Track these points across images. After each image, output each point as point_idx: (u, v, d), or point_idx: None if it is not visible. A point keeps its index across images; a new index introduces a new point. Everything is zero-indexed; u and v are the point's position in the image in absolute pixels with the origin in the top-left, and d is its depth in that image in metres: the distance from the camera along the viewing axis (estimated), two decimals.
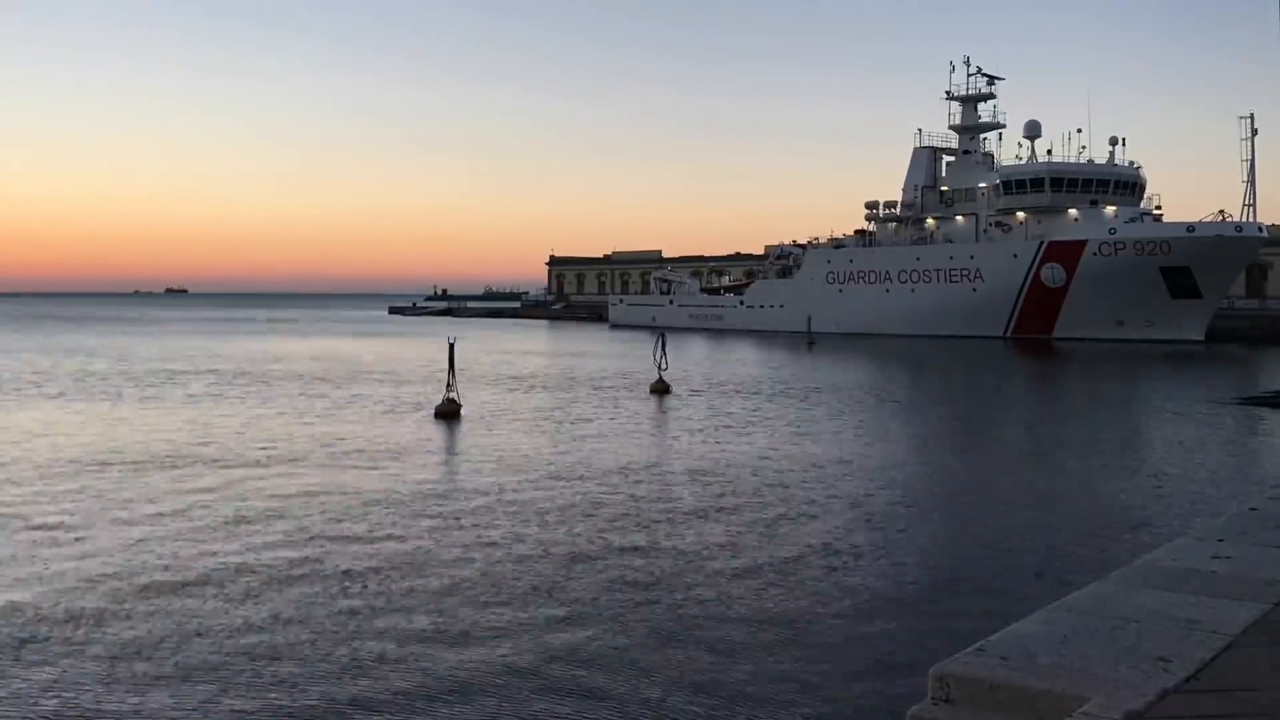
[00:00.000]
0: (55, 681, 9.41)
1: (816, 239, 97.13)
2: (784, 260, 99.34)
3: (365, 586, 12.49)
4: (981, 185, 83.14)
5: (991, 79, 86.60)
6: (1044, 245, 76.11)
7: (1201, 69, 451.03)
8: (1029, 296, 76.97)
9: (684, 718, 8.81)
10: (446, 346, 32.04)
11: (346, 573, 13.04)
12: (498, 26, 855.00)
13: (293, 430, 26.67)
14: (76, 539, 14.73)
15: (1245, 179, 73.35)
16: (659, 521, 16.12)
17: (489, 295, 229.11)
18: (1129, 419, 31.33)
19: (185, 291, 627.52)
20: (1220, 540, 7.23)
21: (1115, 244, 72.93)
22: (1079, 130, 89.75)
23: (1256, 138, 72.51)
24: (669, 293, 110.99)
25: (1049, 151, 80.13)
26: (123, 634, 10.67)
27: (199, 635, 10.67)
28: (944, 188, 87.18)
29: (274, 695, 9.16)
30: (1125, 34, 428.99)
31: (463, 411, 29.89)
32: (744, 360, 56.45)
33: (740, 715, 8.85)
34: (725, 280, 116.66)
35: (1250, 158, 73.07)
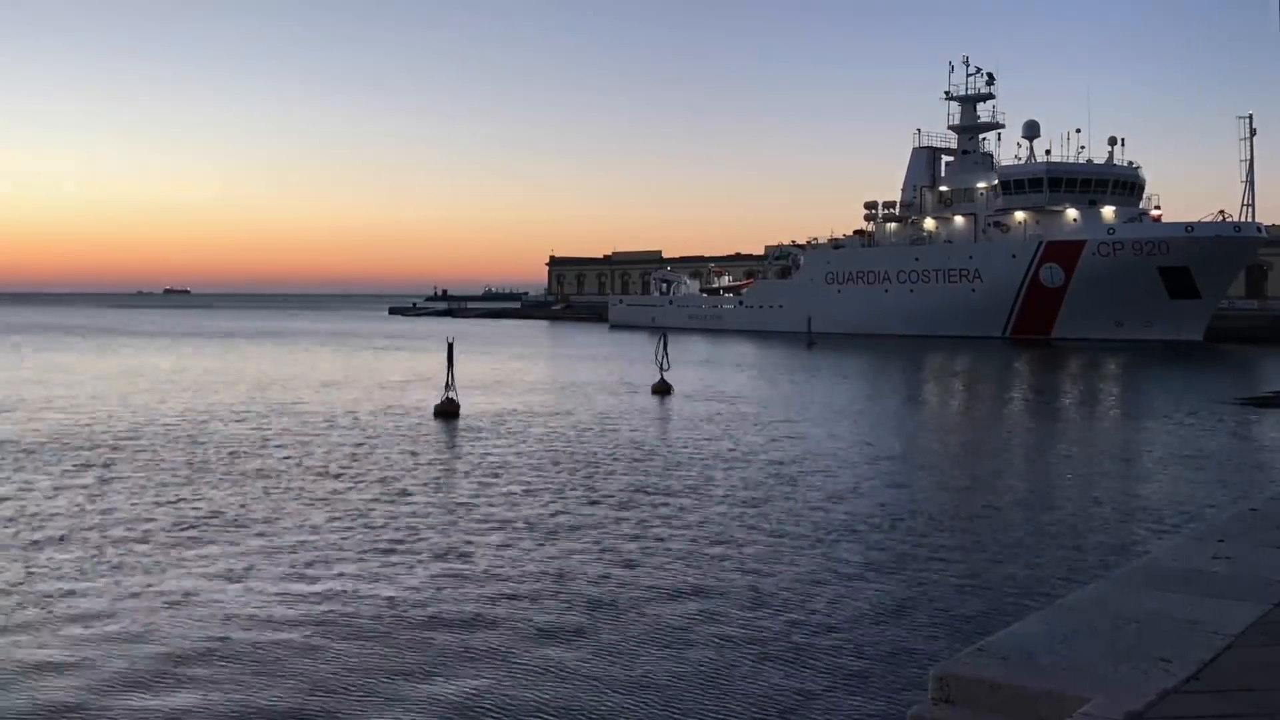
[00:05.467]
0: None
1: (816, 239, 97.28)
2: (783, 261, 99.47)
3: None
4: (980, 185, 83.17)
5: (991, 77, 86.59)
6: (1043, 245, 76.18)
7: (1201, 69, 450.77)
8: (1028, 297, 77.04)
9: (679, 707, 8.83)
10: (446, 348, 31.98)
11: None
12: (497, 27, 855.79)
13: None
14: None
15: (1244, 179, 73.35)
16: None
17: (489, 296, 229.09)
18: (1128, 419, 31.31)
19: (187, 292, 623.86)
20: (1220, 540, 7.23)
21: (1114, 244, 73.00)
22: (1078, 130, 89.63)
23: (1256, 138, 72.53)
24: (669, 293, 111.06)
25: (1048, 151, 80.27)
26: None
27: None
28: (943, 188, 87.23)
29: None
30: (1124, 34, 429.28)
31: (461, 411, 29.87)
32: (740, 376, 56.29)
33: (739, 713, 8.86)
34: (725, 280, 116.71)
35: (1249, 158, 73.06)
